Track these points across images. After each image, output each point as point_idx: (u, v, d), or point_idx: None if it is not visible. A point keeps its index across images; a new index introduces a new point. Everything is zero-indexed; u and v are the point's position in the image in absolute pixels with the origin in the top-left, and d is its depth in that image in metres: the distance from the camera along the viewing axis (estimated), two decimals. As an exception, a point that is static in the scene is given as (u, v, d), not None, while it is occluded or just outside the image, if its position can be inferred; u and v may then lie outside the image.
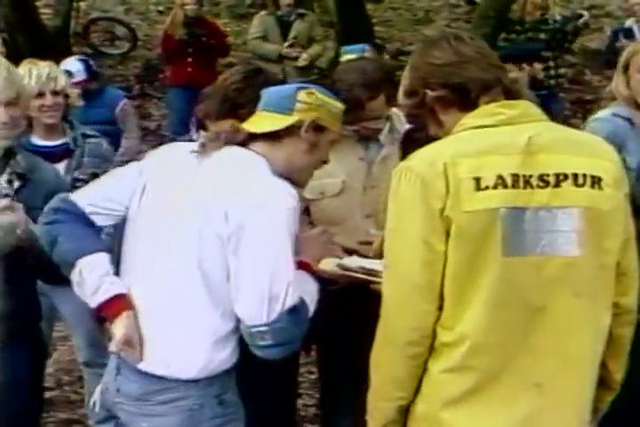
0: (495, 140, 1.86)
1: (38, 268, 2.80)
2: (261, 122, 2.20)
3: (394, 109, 2.83)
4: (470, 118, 1.92)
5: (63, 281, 2.37)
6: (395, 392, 1.95)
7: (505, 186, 1.81)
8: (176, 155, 2.25)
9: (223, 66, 8.42)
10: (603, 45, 8.67)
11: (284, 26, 7.77)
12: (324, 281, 2.28)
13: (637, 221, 2.01)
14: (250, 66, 2.72)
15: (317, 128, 2.19)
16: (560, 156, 1.86)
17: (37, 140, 3.62)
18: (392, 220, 1.90)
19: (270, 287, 2.00)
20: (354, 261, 2.55)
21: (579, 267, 1.86)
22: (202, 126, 2.57)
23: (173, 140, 5.68)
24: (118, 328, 2.11)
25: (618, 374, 2.06)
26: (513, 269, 1.82)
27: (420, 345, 1.88)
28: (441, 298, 1.85)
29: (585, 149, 1.92)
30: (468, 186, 1.81)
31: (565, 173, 1.85)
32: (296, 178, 2.18)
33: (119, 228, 2.27)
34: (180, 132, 6.11)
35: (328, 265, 2.50)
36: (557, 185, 1.84)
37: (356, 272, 2.42)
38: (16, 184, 2.85)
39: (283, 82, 2.55)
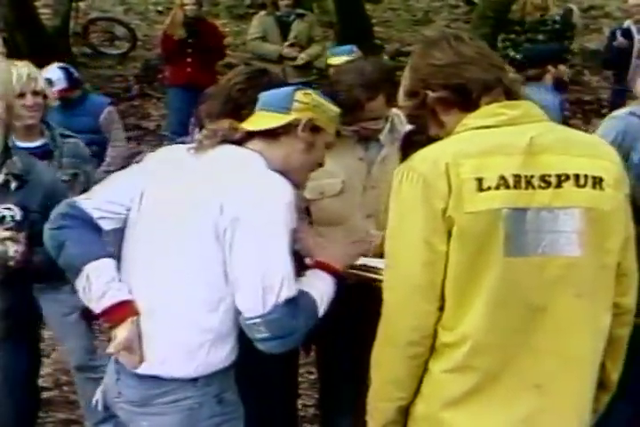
0: (497, 140, 1.86)
1: (37, 272, 2.83)
2: (259, 121, 2.23)
3: (394, 110, 2.83)
4: (472, 119, 1.91)
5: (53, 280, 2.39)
6: (395, 393, 1.95)
7: (507, 186, 1.81)
8: (174, 157, 2.26)
9: (222, 66, 8.45)
10: (601, 46, 8.70)
11: (284, 26, 7.76)
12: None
13: (637, 225, 2.01)
14: (254, 67, 2.73)
15: (314, 128, 2.24)
16: (562, 156, 1.86)
17: (17, 142, 3.59)
18: (393, 220, 1.90)
19: (265, 279, 2.01)
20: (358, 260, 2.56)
21: (580, 267, 1.86)
22: (203, 126, 2.57)
23: (172, 140, 5.68)
24: (121, 332, 2.12)
25: (614, 374, 2.06)
26: (514, 269, 1.82)
27: (420, 345, 1.88)
28: (442, 298, 1.85)
29: (586, 149, 1.92)
30: (470, 186, 1.81)
31: (567, 174, 1.85)
32: (292, 177, 2.19)
33: (117, 232, 2.27)
34: (180, 132, 6.11)
35: None
36: (559, 186, 1.84)
37: (360, 270, 2.43)
38: (13, 185, 2.86)
39: (286, 83, 2.55)
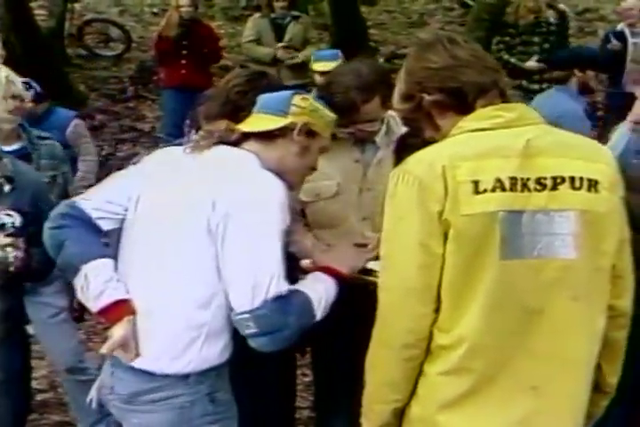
0: (493, 143, 1.86)
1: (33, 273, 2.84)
2: (256, 122, 2.25)
3: (390, 112, 2.83)
4: (468, 122, 1.92)
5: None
6: (390, 395, 1.95)
7: (503, 189, 1.81)
8: (172, 159, 2.28)
9: (218, 68, 8.44)
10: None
11: (278, 28, 7.73)
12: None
13: (633, 232, 2.01)
14: (253, 69, 2.73)
15: (309, 133, 2.27)
16: (557, 159, 1.86)
17: None
18: (389, 222, 1.90)
19: (255, 277, 2.02)
20: None
21: (575, 270, 1.86)
22: (200, 128, 2.58)
23: (167, 142, 5.66)
24: (117, 331, 2.13)
25: (612, 377, 2.06)
26: (510, 272, 1.82)
27: (415, 348, 1.88)
28: (437, 301, 1.85)
29: (582, 152, 1.92)
30: (466, 189, 1.81)
31: (562, 177, 1.85)
32: (286, 179, 2.20)
33: (114, 234, 2.28)
34: (174, 134, 6.08)
35: None
36: (554, 188, 1.84)
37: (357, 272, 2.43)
38: (7, 188, 2.88)
39: (285, 86, 2.56)
